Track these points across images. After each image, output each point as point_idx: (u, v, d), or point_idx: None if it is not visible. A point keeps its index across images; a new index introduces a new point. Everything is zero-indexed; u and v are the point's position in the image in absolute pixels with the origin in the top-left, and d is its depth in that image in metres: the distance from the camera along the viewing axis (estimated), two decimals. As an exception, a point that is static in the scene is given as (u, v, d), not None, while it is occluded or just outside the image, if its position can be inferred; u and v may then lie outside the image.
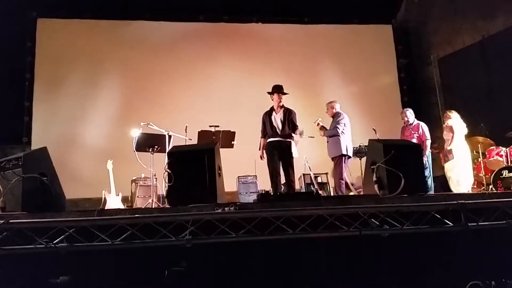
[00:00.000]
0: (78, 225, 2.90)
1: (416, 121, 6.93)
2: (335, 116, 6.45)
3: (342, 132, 6.21)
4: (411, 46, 10.30)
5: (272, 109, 6.05)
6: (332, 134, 6.26)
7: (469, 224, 3.09)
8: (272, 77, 9.05)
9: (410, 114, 6.98)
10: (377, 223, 3.06)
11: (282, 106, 5.99)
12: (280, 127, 5.90)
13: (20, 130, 8.27)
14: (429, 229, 3.12)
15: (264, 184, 7.08)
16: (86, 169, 7.94)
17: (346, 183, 6.42)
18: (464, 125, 6.53)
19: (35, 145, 7.81)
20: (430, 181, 6.48)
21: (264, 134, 6.04)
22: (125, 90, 8.74)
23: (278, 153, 5.83)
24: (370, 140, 4.76)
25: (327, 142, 6.41)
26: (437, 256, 3.18)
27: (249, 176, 7.33)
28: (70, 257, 2.86)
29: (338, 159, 6.20)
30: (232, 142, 6.62)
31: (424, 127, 6.84)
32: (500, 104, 8.02)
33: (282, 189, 5.88)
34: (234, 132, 6.66)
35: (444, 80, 9.66)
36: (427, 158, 6.59)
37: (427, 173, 6.33)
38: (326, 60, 9.72)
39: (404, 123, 7.01)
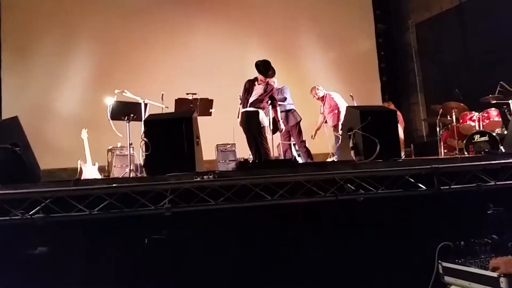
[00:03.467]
0: (54, 196, 2.86)
1: (326, 93, 7.09)
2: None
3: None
4: (390, 11, 10.25)
5: (256, 79, 6.00)
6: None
7: (442, 187, 3.19)
8: (250, 42, 8.97)
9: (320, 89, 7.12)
10: (353, 188, 3.13)
11: (266, 81, 5.99)
12: (255, 97, 5.90)
13: (-12, 99, 7.99)
14: (403, 193, 3.21)
15: (243, 152, 7.10)
16: (60, 139, 7.78)
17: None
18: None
19: (6, 114, 7.57)
20: None
21: (243, 102, 6.02)
22: (98, 57, 8.47)
23: (248, 123, 5.93)
24: (347, 107, 4.80)
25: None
26: (410, 219, 3.29)
27: (228, 144, 7.33)
28: (48, 228, 2.84)
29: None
30: (210, 110, 6.57)
31: (336, 96, 7.00)
32: (475, 69, 8.14)
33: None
34: (212, 100, 6.59)
35: (421, 46, 9.71)
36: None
37: None
38: (305, 25, 9.62)
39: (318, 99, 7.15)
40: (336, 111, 6.82)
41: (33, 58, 8.26)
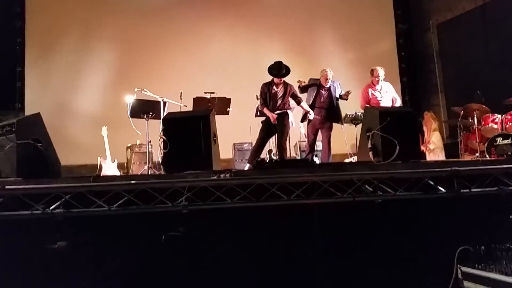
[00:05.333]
0: (74, 191, 2.91)
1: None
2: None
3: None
4: (410, 11, 10.10)
5: (273, 82, 5.98)
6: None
7: (462, 190, 3.13)
8: (269, 43, 8.96)
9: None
10: (371, 189, 3.09)
11: (282, 82, 5.96)
12: (280, 101, 5.92)
13: (13, 96, 8.16)
14: (422, 195, 3.16)
15: (260, 151, 7.09)
16: (80, 136, 7.91)
17: None
18: None
19: (29, 111, 7.74)
20: None
21: (267, 105, 5.98)
22: (119, 56, 8.58)
23: (274, 125, 5.88)
24: (366, 107, 4.75)
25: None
26: (429, 222, 3.24)
27: (245, 143, 7.34)
28: (67, 223, 2.89)
29: None
30: (228, 109, 6.58)
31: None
32: (497, 71, 7.96)
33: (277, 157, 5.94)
34: (229, 99, 6.61)
35: (442, 46, 9.54)
36: None
37: None
38: (324, 26, 9.55)
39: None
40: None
41: (55, 57, 8.42)
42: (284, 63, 5.97)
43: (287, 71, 5.90)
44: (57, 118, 7.75)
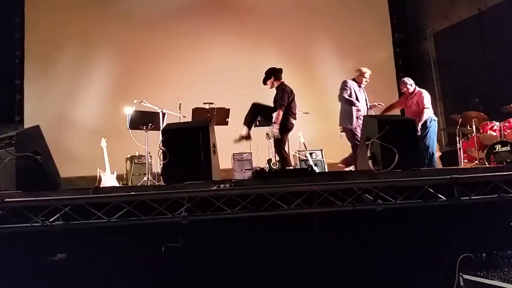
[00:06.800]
0: (73, 203, 2.90)
1: (417, 89, 6.55)
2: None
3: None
4: (407, 20, 10.18)
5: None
6: None
7: (462, 198, 3.13)
8: (267, 52, 9.01)
9: (410, 83, 6.58)
10: (371, 198, 3.08)
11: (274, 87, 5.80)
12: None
13: (12, 109, 8.18)
14: (422, 203, 3.15)
15: (259, 161, 7.10)
16: (80, 147, 7.91)
17: None
18: None
19: (28, 123, 7.76)
20: (431, 151, 6.17)
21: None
22: (117, 67, 8.63)
23: None
24: (365, 116, 4.76)
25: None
26: (429, 230, 3.23)
27: (244, 153, 7.34)
28: (67, 235, 2.87)
29: None
30: (227, 119, 6.60)
31: (424, 94, 6.44)
32: (495, 79, 8.01)
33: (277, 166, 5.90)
34: (228, 110, 6.63)
35: (439, 55, 9.60)
36: (428, 129, 6.22)
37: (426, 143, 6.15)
38: (322, 35, 9.62)
39: (404, 93, 6.66)
40: (421, 110, 6.32)
41: (54, 70, 8.46)
42: (283, 72, 5.92)
43: (266, 77, 5.76)
44: (57, 130, 7.77)
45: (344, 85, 6.03)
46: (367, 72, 6.23)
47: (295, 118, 5.71)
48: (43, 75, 8.38)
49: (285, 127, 5.59)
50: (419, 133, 6.02)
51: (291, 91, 5.69)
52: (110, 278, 3.01)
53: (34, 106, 8.24)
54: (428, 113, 6.27)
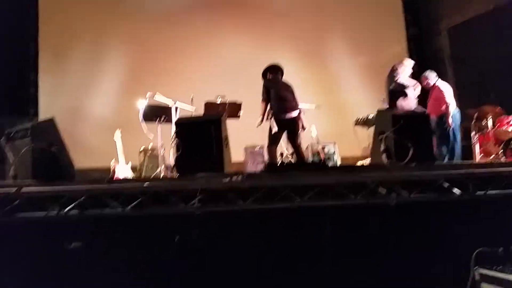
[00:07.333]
0: (89, 193, 2.93)
1: (436, 83, 6.58)
2: None
3: None
4: (421, 15, 10.05)
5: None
6: None
7: (478, 192, 3.09)
8: (279, 47, 8.97)
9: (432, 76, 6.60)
10: (385, 191, 3.06)
11: None
12: None
13: (27, 102, 8.27)
14: (437, 197, 3.12)
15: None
16: (94, 140, 7.98)
17: None
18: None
19: (43, 116, 7.84)
20: (457, 148, 6.31)
21: None
22: (131, 61, 8.67)
23: None
24: (378, 110, 4.72)
25: None
26: (444, 224, 3.19)
27: (257, 146, 7.33)
28: (82, 224, 2.91)
29: None
30: (239, 113, 6.60)
31: (444, 90, 6.46)
32: (511, 74, 7.87)
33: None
34: (240, 104, 6.63)
35: (454, 51, 9.46)
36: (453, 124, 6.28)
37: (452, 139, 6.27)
38: (335, 30, 9.54)
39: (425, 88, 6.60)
40: (444, 106, 6.37)
41: (68, 62, 8.52)
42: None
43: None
44: (71, 122, 7.83)
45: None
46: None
47: (279, 117, 5.87)
48: (57, 68, 8.45)
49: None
50: (451, 126, 6.22)
51: (276, 87, 5.97)
52: (123, 266, 3.04)
53: (48, 99, 8.32)
54: (452, 107, 6.33)
